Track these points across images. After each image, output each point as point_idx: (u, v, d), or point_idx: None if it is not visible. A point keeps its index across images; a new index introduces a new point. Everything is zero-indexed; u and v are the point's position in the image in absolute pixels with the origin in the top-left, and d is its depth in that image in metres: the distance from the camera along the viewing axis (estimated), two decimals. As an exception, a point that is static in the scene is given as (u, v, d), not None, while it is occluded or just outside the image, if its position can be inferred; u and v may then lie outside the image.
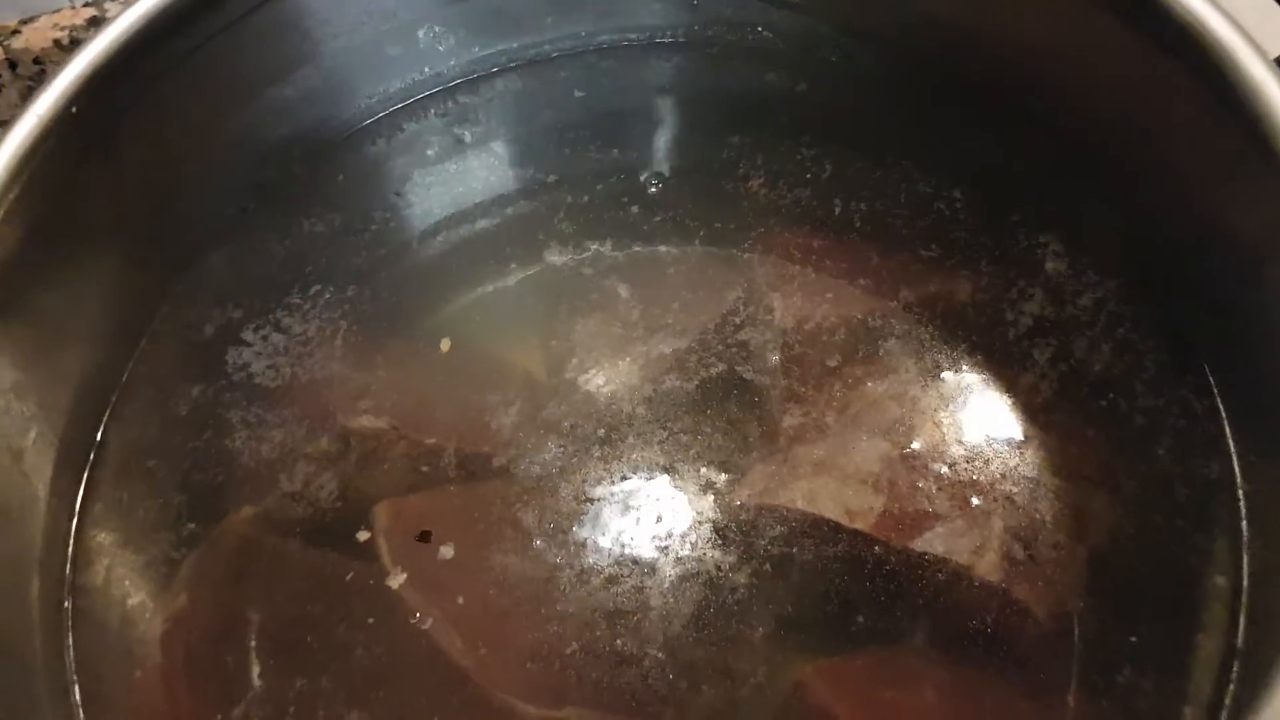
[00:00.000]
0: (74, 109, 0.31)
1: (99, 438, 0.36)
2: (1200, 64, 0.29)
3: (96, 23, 0.62)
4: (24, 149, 0.30)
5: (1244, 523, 0.31)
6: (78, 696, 0.32)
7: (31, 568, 0.32)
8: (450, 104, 0.43)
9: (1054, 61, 0.36)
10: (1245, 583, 0.30)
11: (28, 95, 0.66)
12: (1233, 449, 0.32)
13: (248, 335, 0.38)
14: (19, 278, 0.32)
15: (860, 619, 0.31)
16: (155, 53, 0.34)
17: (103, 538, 0.34)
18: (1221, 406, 0.33)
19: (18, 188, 0.30)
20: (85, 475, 0.35)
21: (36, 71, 0.63)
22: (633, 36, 0.43)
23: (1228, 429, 0.33)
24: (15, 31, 0.62)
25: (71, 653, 0.32)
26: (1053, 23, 0.35)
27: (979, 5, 0.37)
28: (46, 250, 0.32)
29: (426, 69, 0.43)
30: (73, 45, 0.62)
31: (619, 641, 0.31)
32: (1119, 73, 0.34)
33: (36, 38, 0.62)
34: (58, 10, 0.63)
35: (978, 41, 0.38)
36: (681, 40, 0.43)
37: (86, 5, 0.63)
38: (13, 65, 0.62)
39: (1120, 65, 0.34)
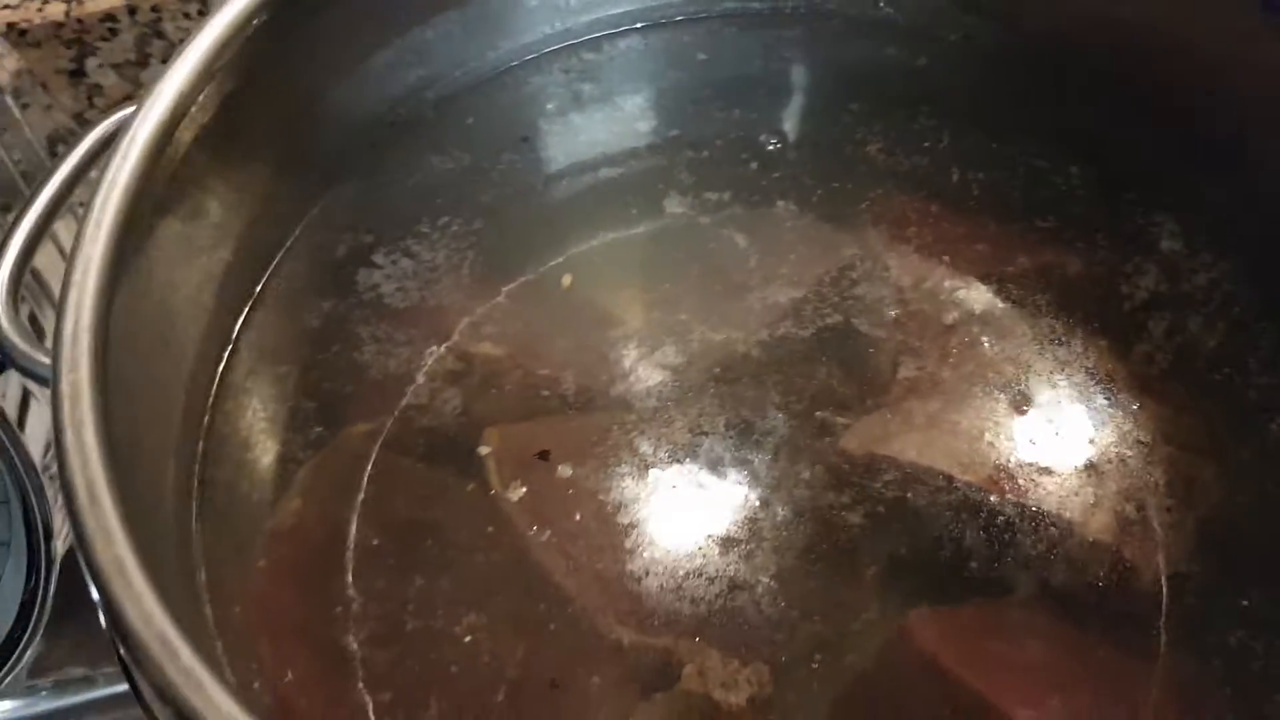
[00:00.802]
0: (255, 21, 0.33)
1: (234, 340, 0.37)
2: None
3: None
4: (206, 62, 0.32)
5: (1359, 499, 0.31)
6: (203, 578, 0.33)
7: (169, 454, 0.34)
8: (576, 60, 0.45)
9: (1177, 44, 0.37)
10: (1360, 555, 0.30)
11: (142, 42, 0.68)
12: (1350, 428, 0.33)
13: (378, 259, 0.39)
14: (184, 179, 0.33)
15: (973, 565, 0.32)
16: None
17: (233, 434, 0.36)
18: (1339, 385, 0.33)
19: (200, 99, 0.32)
20: (218, 375, 0.37)
21: (153, 19, 0.65)
22: (756, 5, 0.44)
23: (1345, 407, 0.33)
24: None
25: (199, 539, 0.34)
26: (1177, 6, 0.36)
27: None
28: (209, 158, 0.34)
29: (558, 24, 0.44)
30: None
31: (731, 569, 0.32)
32: (1243, 56, 0.35)
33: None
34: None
35: (1098, 22, 0.39)
36: (803, 11, 0.44)
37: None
38: (132, 11, 0.64)
39: (1245, 49, 0.34)
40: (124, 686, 0.24)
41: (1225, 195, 0.37)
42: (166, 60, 0.71)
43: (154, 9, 0.65)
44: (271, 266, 0.39)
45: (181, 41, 0.70)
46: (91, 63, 0.66)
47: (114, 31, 0.65)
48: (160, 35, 0.66)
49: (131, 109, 0.32)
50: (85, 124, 0.69)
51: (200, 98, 0.32)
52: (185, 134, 0.32)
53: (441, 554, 0.33)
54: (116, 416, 0.27)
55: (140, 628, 0.23)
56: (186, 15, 0.66)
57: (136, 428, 0.31)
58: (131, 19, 0.65)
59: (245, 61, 0.34)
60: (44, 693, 0.44)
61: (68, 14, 0.58)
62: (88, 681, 0.46)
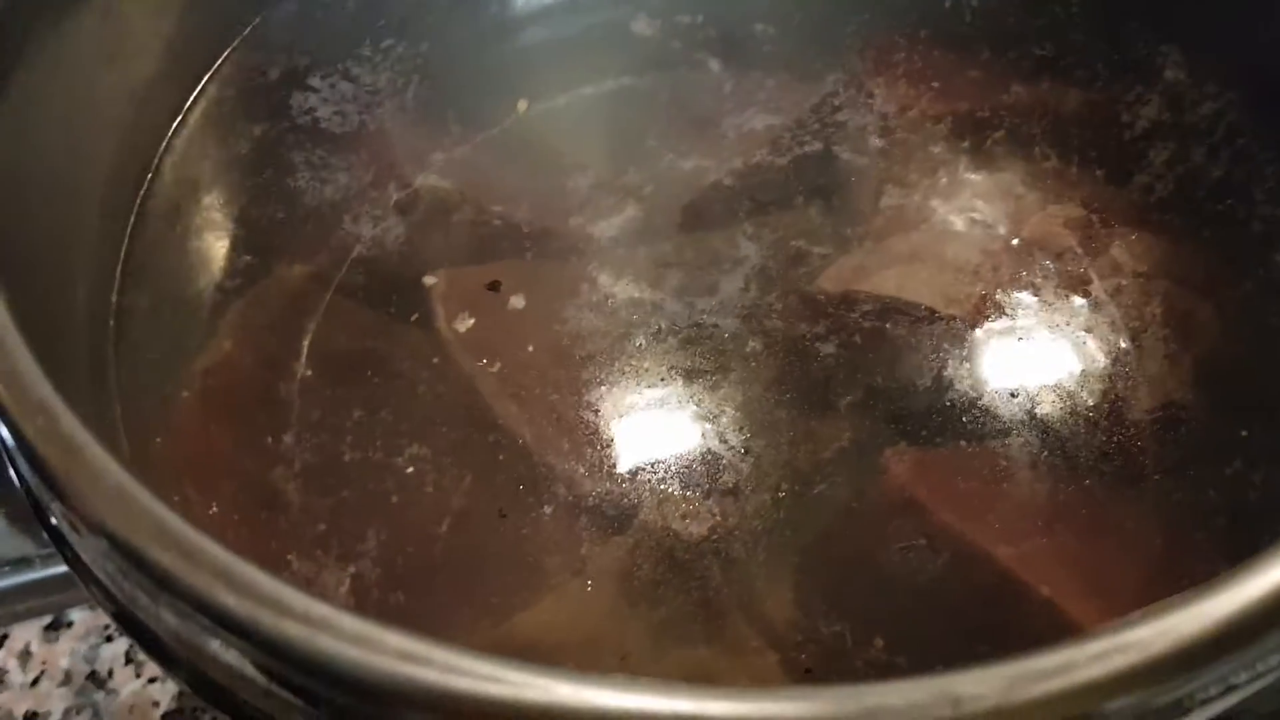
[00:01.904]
0: None
1: (155, 163, 0.34)
2: None
3: None
4: None
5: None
6: (118, 410, 0.30)
7: (77, 278, 0.31)
8: None
9: None
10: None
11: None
12: (1358, 257, 0.31)
13: (314, 81, 0.36)
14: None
15: (953, 396, 0.29)
16: None
17: (154, 262, 0.33)
18: (1348, 216, 0.31)
19: None
20: (138, 200, 0.33)
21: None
22: None
23: (1354, 238, 0.31)
24: None
25: (114, 370, 0.31)
26: None
27: None
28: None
29: None
30: None
31: (694, 401, 0.29)
32: None
33: None
34: None
35: None
36: None
37: None
38: None
39: None
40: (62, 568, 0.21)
41: (1233, 24, 0.34)
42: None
43: None
44: (198, 88, 0.36)
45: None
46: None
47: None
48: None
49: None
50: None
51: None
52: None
53: (383, 386, 0.30)
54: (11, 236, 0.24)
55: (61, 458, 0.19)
56: None
57: (38, 249, 0.28)
58: None
59: None
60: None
61: None
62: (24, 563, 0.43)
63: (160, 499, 0.18)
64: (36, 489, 0.20)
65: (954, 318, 0.31)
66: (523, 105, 0.35)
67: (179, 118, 0.35)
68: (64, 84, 0.30)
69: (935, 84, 0.35)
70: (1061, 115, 0.34)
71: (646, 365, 0.30)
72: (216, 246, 0.33)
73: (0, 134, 0.27)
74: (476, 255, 0.33)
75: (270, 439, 0.29)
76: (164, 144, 0.35)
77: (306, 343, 0.31)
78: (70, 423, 0.19)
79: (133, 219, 0.33)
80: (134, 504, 0.18)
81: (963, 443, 0.29)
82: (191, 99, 0.35)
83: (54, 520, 0.20)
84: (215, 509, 0.28)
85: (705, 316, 0.31)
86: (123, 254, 0.32)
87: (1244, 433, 0.28)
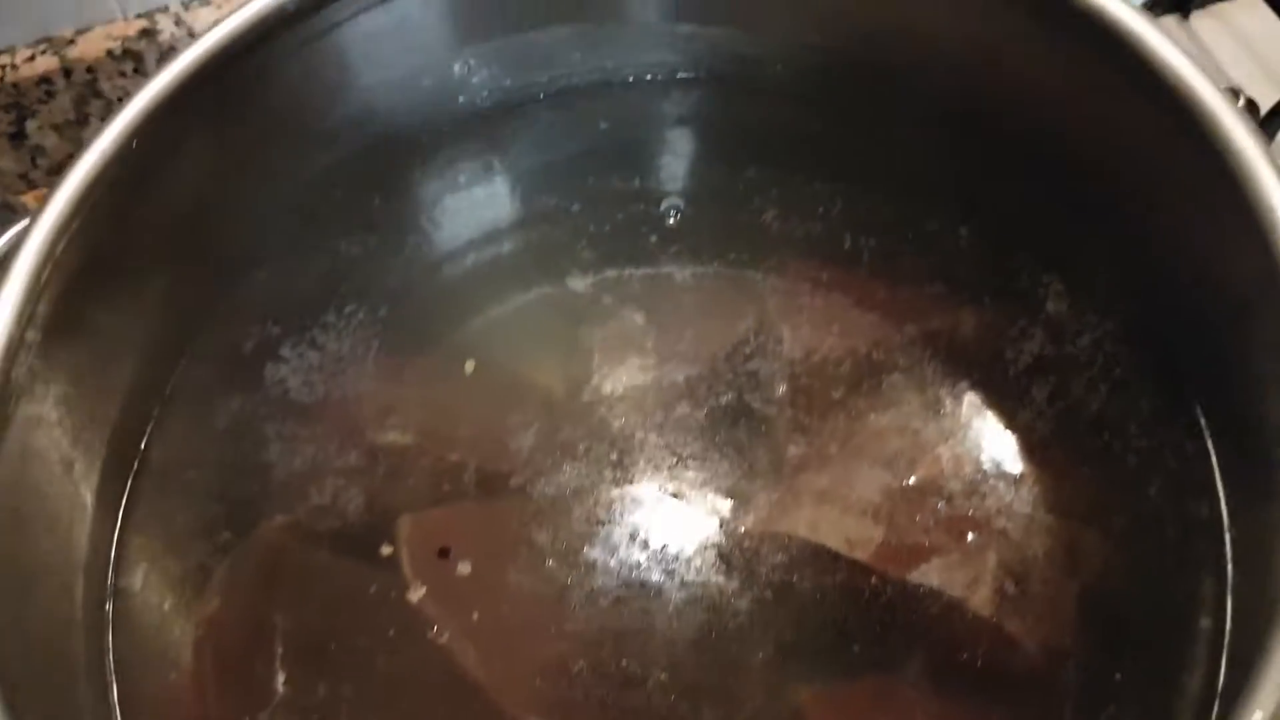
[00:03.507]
0: (135, 143, 0.33)
1: (143, 448, 0.38)
2: (1187, 125, 0.30)
3: (148, 34, 0.65)
4: (85, 185, 0.32)
5: (1229, 566, 0.32)
6: (115, 696, 0.34)
7: (77, 571, 0.35)
8: (482, 132, 0.45)
9: (1060, 110, 0.37)
10: (1229, 625, 0.31)
11: (80, 102, 0.69)
12: (1221, 492, 0.33)
13: (285, 352, 0.40)
14: (77, 299, 0.34)
15: (856, 648, 0.32)
16: (210, 89, 0.36)
17: (143, 544, 0.37)
18: (1212, 449, 0.34)
19: (79, 219, 0.32)
20: (129, 484, 0.37)
21: (88, 79, 0.66)
22: (657, 72, 0.45)
23: (1217, 472, 0.34)
24: (70, 41, 0.65)
25: (111, 654, 0.34)
26: (1059, 76, 0.37)
27: (990, 55, 0.38)
28: (102, 273, 0.35)
29: (461, 99, 0.44)
30: (125, 55, 0.65)
31: (624, 661, 0.33)
32: (1120, 123, 0.35)
33: (90, 47, 0.65)
34: (111, 21, 0.66)
35: (988, 88, 0.39)
36: (703, 76, 0.45)
37: (139, 17, 0.66)
38: (67, 73, 0.65)
39: (1121, 117, 0.35)
40: None
41: (1109, 255, 0.38)
42: (106, 118, 0.72)
43: (89, 70, 0.65)
44: (179, 367, 0.40)
45: (119, 101, 0.71)
46: (31, 125, 0.67)
47: (51, 94, 0.66)
48: (98, 95, 0.67)
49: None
50: (30, 185, 0.70)
51: (79, 223, 0.33)
52: (69, 257, 0.33)
53: (346, 659, 0.34)
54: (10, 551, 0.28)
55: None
56: (122, 74, 0.66)
57: (37, 554, 0.32)
58: (67, 80, 0.65)
59: (133, 175, 0.34)
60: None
61: (2, 79, 0.59)
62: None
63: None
64: None
65: (856, 563, 0.34)
66: (470, 365, 0.39)
67: (163, 398, 0.39)
68: (56, 397, 0.34)
69: (836, 327, 0.39)
70: (952, 354, 0.38)
71: (580, 629, 0.33)
72: (196, 524, 0.37)
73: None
74: (433, 503, 0.37)
75: (248, 718, 0.33)
76: (151, 425, 0.39)
77: (276, 619, 0.35)
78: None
79: (124, 503, 0.37)
80: None
81: (871, 687, 0.32)
82: (173, 379, 0.40)
83: None
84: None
85: (634, 575, 0.34)
86: (115, 539, 0.36)
87: (1118, 676, 0.31)
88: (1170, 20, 0.66)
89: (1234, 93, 0.36)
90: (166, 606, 0.36)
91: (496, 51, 0.43)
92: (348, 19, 0.38)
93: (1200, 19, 0.66)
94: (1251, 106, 0.37)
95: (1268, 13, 0.60)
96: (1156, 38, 0.31)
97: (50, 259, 0.31)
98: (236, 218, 0.41)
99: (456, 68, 0.43)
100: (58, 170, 0.72)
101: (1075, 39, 0.34)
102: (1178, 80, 0.30)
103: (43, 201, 0.32)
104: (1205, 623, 0.32)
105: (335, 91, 0.41)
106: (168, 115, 0.35)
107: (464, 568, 0.35)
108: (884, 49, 0.41)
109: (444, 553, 0.35)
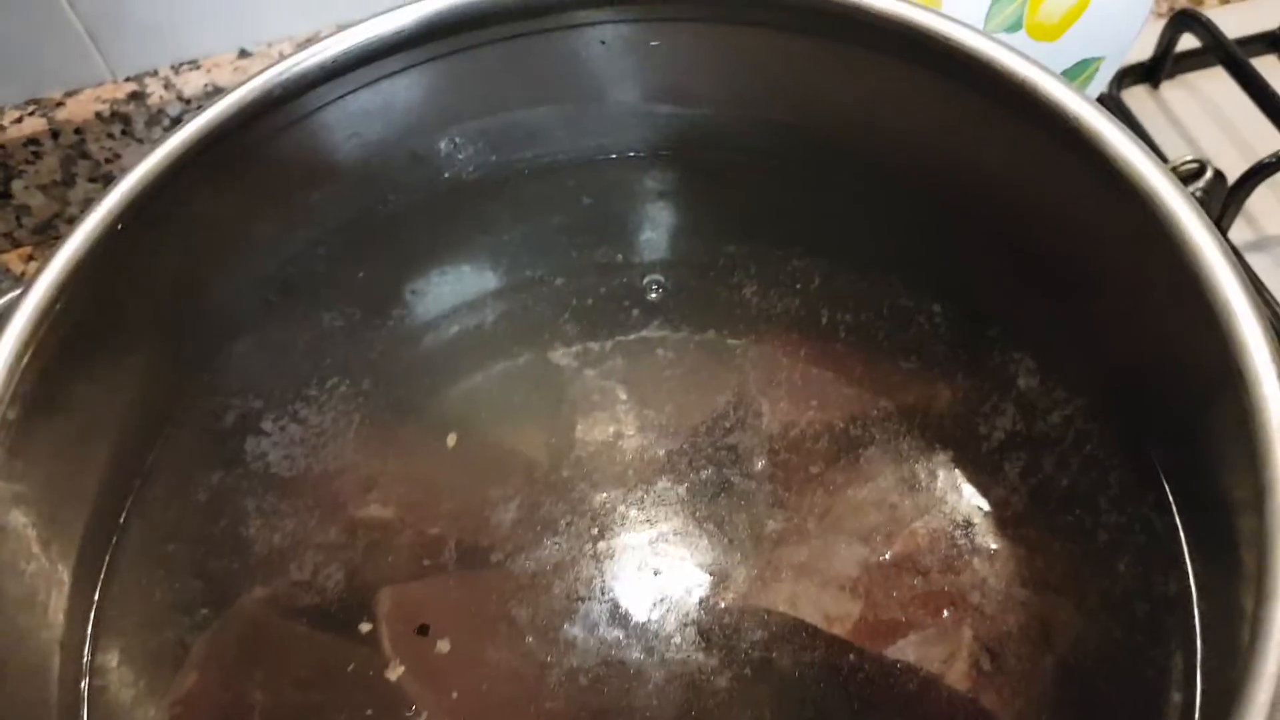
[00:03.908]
0: (120, 226, 0.34)
1: (122, 522, 0.38)
2: (1145, 217, 0.31)
3: (137, 97, 0.66)
4: (70, 267, 0.33)
5: (1199, 642, 0.33)
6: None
7: (54, 648, 0.34)
8: (467, 207, 0.46)
9: (1024, 194, 0.39)
10: (1199, 700, 0.32)
11: (68, 163, 0.70)
12: (1190, 568, 0.34)
13: (267, 425, 0.40)
14: (60, 377, 0.34)
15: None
16: (196, 170, 0.36)
17: (121, 620, 0.36)
18: (1180, 525, 0.35)
19: (63, 300, 0.33)
20: (108, 559, 0.37)
21: (77, 141, 0.67)
22: (638, 150, 0.46)
23: (1185, 548, 0.35)
24: (60, 104, 0.66)
25: (88, 730, 0.34)
26: (1022, 162, 0.38)
27: (959, 138, 0.39)
28: (85, 351, 0.35)
29: (445, 174, 0.45)
30: (113, 118, 0.66)
31: (604, 738, 0.33)
32: (1081, 210, 0.36)
33: (79, 109, 0.66)
34: (100, 84, 0.67)
35: (957, 170, 0.40)
36: (683, 154, 0.46)
37: (128, 80, 0.67)
38: (55, 134, 0.65)
39: (1081, 204, 0.36)
40: None
41: (1076, 334, 0.39)
42: (94, 179, 0.72)
43: (77, 131, 0.66)
44: (160, 440, 0.40)
45: (107, 162, 0.71)
46: (17, 185, 0.67)
47: (38, 154, 0.66)
48: (86, 156, 0.68)
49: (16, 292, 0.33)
50: (15, 243, 0.70)
51: (61, 305, 0.33)
52: (52, 338, 0.33)
53: (325, 740, 0.34)
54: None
55: None
56: (110, 136, 0.67)
57: (12, 631, 0.32)
58: (55, 142, 0.66)
59: (116, 256, 0.35)
60: None
61: (-11, 140, 0.59)
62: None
63: None
64: None
65: (833, 640, 0.34)
66: (452, 439, 0.40)
67: (143, 472, 0.39)
68: (39, 475, 0.34)
69: (814, 401, 0.39)
70: (926, 429, 0.38)
71: (560, 707, 0.33)
72: (176, 598, 0.37)
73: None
74: (413, 577, 0.37)
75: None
76: (130, 498, 0.39)
77: (255, 696, 0.34)
78: None
79: (101, 577, 0.37)
80: None
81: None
82: (154, 452, 0.40)
83: None
84: None
85: (613, 652, 0.34)
86: (92, 615, 0.36)
87: (1091, 755, 0.32)
88: (1141, 89, 0.68)
89: (1200, 164, 0.38)
90: (143, 683, 0.35)
91: (482, 130, 0.44)
92: (335, 100, 0.39)
93: (1170, 88, 0.69)
94: (1219, 177, 0.38)
95: (1234, 84, 0.62)
96: (1113, 131, 0.33)
97: (32, 341, 0.32)
98: (220, 291, 0.42)
99: (442, 145, 0.44)
100: (43, 230, 0.73)
101: (1035, 128, 0.35)
102: (1136, 176, 0.32)
103: (27, 282, 0.32)
104: (1176, 697, 0.32)
105: (320, 167, 0.42)
106: (154, 196, 0.35)
107: (444, 645, 0.35)
108: (857, 131, 0.42)
109: (423, 630, 0.35)
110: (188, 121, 0.35)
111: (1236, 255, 0.31)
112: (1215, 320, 0.28)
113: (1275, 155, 0.56)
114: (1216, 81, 0.66)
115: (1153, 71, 0.68)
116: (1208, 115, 0.67)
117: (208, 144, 0.36)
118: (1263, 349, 0.27)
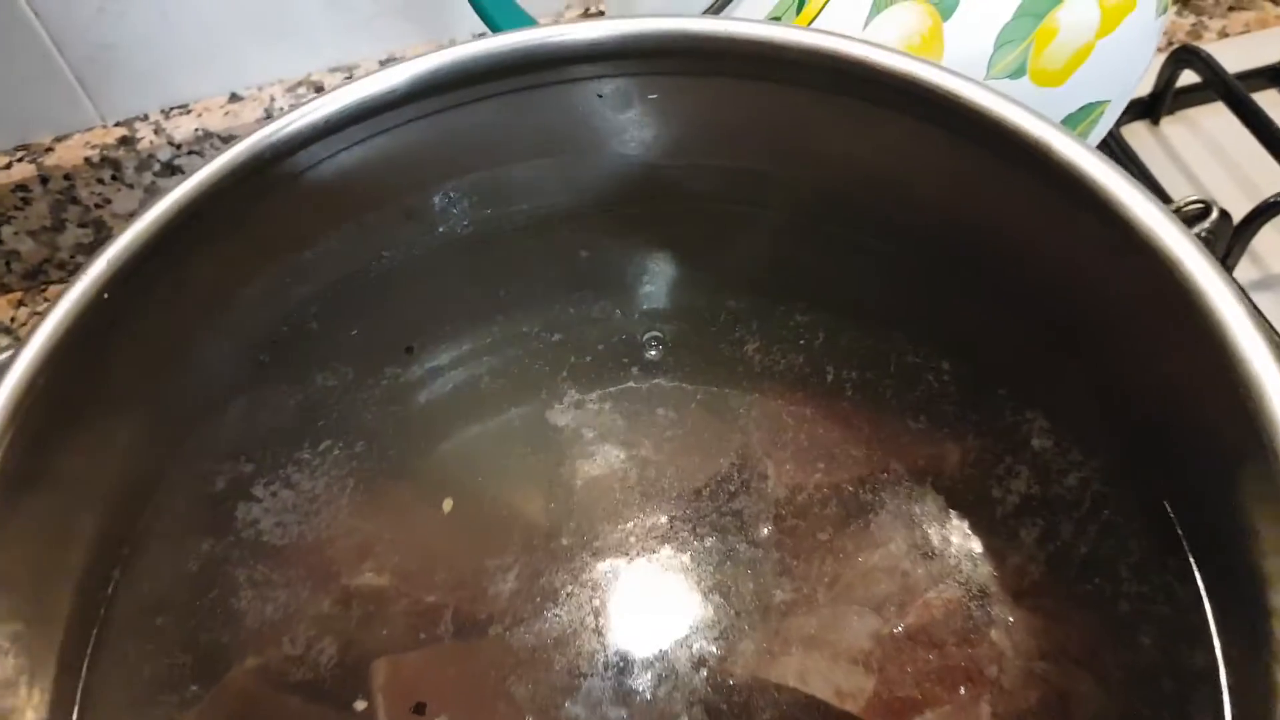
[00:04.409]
0: (105, 295, 0.33)
1: (109, 594, 0.37)
2: (1162, 278, 0.30)
3: (127, 142, 0.65)
4: (55, 339, 0.32)
5: (1228, 717, 0.32)
6: None
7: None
8: (461, 263, 0.45)
9: (1036, 248, 0.38)
10: (1229, 781, 0.31)
11: (57, 209, 0.69)
12: (1216, 640, 0.33)
13: (258, 491, 0.39)
14: (46, 449, 0.33)
15: (847, 808, 0.31)
16: (185, 234, 0.35)
17: (109, 699, 0.35)
18: (1205, 595, 0.34)
19: (47, 374, 0.31)
20: (94, 635, 0.36)
21: (66, 186, 0.66)
22: (635, 203, 0.45)
23: (1210, 618, 0.33)
24: (49, 149, 0.65)
25: (71, 819, 0.33)
26: (1027, 214, 0.37)
27: (964, 191, 0.38)
28: (71, 421, 0.34)
29: (440, 229, 0.44)
30: (103, 163, 0.65)
31: (608, 825, 0.31)
32: (1098, 267, 0.35)
33: (68, 155, 0.65)
34: (90, 129, 0.66)
35: (964, 223, 0.39)
36: (682, 208, 0.45)
37: (118, 125, 0.66)
38: (44, 180, 0.65)
39: (1099, 261, 0.35)
40: None
41: (1092, 393, 0.38)
42: (84, 224, 0.71)
43: (66, 177, 0.65)
44: (149, 508, 0.39)
45: (96, 207, 0.70)
46: (7, 230, 0.67)
47: (27, 200, 0.65)
48: (75, 201, 0.67)
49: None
50: (5, 289, 0.69)
51: (45, 377, 0.32)
52: (36, 413, 0.32)
53: (315, 826, 0.32)
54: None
55: None
56: (100, 181, 0.66)
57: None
58: (44, 187, 0.65)
59: (102, 324, 0.34)
60: None
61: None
62: None
63: None
64: None
65: (848, 715, 0.33)
66: (448, 504, 0.39)
67: (132, 541, 0.38)
68: (16, 555, 0.33)
69: (821, 464, 0.38)
70: (938, 492, 0.37)
71: (561, 792, 0.32)
72: (166, 673, 0.36)
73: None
74: (408, 649, 0.36)
75: None
76: (116, 574, 0.38)
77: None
78: None
79: (88, 656, 0.36)
80: None
81: None
82: (141, 521, 0.39)
83: None
84: None
85: (616, 732, 0.33)
86: (78, 695, 0.35)
87: (1117, 841, 0.30)
88: (1140, 125, 0.68)
89: (1205, 205, 0.37)
90: (129, 768, 0.34)
91: (476, 184, 0.43)
92: (327, 158, 0.38)
93: (1170, 124, 0.68)
94: (1225, 216, 0.37)
95: (1235, 119, 0.62)
96: (1120, 183, 0.32)
97: (16, 418, 0.31)
98: (209, 352, 0.40)
99: (436, 200, 0.43)
100: (32, 275, 0.72)
101: (1039, 181, 0.34)
102: (1145, 229, 0.31)
103: (6, 360, 0.31)
104: (1206, 780, 0.31)
105: (312, 225, 0.41)
106: (142, 261, 0.34)
107: (441, 725, 0.34)
108: (861, 185, 0.41)
109: (420, 708, 0.34)
110: (176, 185, 0.35)
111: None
112: (1236, 380, 0.27)
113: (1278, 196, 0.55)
114: (1217, 117, 0.65)
115: (1153, 108, 0.67)
116: (1209, 151, 0.66)
117: (196, 208, 0.35)
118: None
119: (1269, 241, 0.59)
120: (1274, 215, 0.55)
